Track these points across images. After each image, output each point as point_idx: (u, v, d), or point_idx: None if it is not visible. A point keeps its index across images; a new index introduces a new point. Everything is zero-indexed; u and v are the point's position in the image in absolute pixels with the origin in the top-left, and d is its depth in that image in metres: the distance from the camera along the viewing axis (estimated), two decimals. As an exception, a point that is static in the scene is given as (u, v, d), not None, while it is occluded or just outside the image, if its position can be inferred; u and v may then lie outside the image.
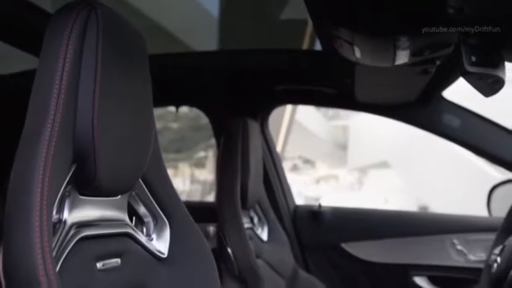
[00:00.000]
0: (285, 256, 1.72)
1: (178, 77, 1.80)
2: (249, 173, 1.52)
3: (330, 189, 9.36)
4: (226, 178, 1.48)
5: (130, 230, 0.81)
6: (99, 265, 0.72)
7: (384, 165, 8.28)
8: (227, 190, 1.47)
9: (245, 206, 1.53)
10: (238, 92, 1.86)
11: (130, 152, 0.75)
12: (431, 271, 1.80)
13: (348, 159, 9.75)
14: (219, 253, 1.44)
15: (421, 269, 1.80)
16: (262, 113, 1.93)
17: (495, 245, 1.43)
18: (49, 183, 0.61)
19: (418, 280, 1.80)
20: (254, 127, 1.62)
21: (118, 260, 0.77)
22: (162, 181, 0.89)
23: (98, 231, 0.74)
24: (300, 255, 1.92)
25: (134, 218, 0.86)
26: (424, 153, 6.21)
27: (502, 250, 1.34)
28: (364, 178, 9.46)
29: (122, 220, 0.81)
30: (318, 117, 10.21)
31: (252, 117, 1.70)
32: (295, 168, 10.81)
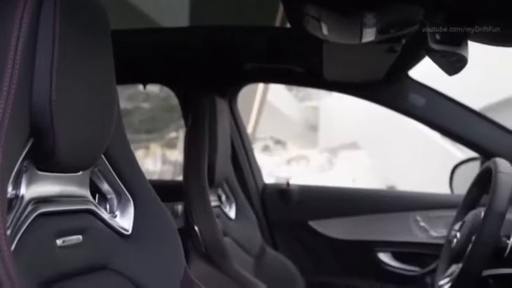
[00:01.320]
0: (253, 234, 1.73)
1: (145, 54, 1.76)
2: (216, 151, 1.52)
3: (301, 170, 9.44)
4: (194, 156, 1.48)
5: (92, 207, 0.80)
6: (59, 242, 0.71)
7: (354, 145, 8.39)
8: (194, 168, 1.47)
9: (212, 184, 1.53)
10: (207, 70, 1.84)
11: (90, 128, 0.74)
12: (395, 247, 1.84)
13: (318, 140, 9.83)
14: (186, 231, 1.44)
15: (385, 245, 1.84)
16: (231, 91, 1.91)
17: (455, 221, 1.48)
18: (2, 158, 0.59)
19: (382, 256, 1.84)
20: (222, 105, 1.61)
21: (80, 237, 0.75)
22: (126, 159, 0.87)
23: (58, 207, 0.73)
24: (268, 233, 1.93)
25: (97, 195, 0.85)
26: (393, 134, 6.32)
27: (461, 226, 1.38)
28: (334, 159, 9.56)
29: (84, 197, 0.79)
30: (290, 98, 10.23)
31: (221, 95, 1.69)
32: (266, 148, 10.84)
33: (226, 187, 1.70)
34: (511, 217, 1.35)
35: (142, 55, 1.75)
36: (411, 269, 1.82)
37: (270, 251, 1.77)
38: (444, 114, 1.75)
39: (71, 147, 0.70)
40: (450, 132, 1.77)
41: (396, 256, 1.84)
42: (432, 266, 1.70)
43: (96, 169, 0.82)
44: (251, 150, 2.03)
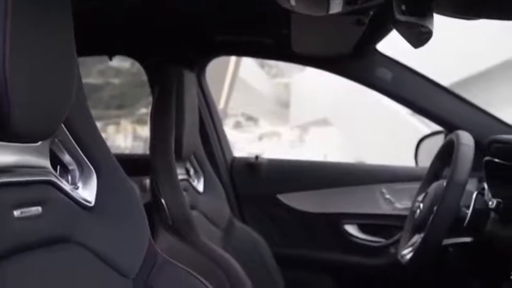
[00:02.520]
0: (221, 207, 1.73)
1: (110, 24, 1.71)
2: (184, 125, 1.50)
3: (273, 146, 9.48)
4: (160, 129, 1.46)
5: (52, 178, 0.78)
6: (16, 213, 0.69)
7: (324, 122, 8.46)
8: (161, 142, 1.45)
9: (180, 157, 1.51)
10: (174, 42, 1.80)
11: (48, 97, 0.71)
12: (361, 219, 1.88)
13: (290, 117, 9.88)
14: (153, 204, 1.43)
15: (352, 217, 1.88)
16: (199, 64, 1.89)
17: (418, 193, 1.51)
18: None
19: (349, 228, 1.88)
20: (190, 77, 1.59)
21: (39, 208, 0.73)
22: (88, 130, 0.85)
23: (15, 178, 0.71)
24: (236, 206, 1.94)
25: (58, 166, 0.83)
26: (362, 110, 6.39)
27: (424, 198, 1.41)
28: (305, 135, 9.64)
29: (44, 168, 0.77)
30: (262, 75, 10.21)
31: (189, 68, 1.66)
32: (238, 125, 10.84)
33: (194, 160, 1.69)
34: (471, 188, 1.39)
35: (108, 25, 1.71)
36: (377, 240, 1.86)
37: (238, 224, 1.78)
38: (410, 88, 1.77)
39: (28, 117, 0.68)
40: (415, 106, 1.80)
41: (362, 228, 1.88)
42: (396, 237, 1.75)
43: (56, 140, 0.80)
44: (220, 123, 2.02)
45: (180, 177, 1.50)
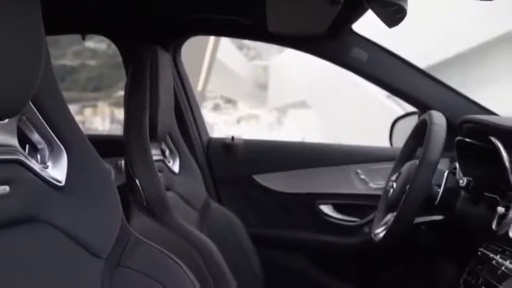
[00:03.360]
0: (197, 188, 1.73)
1: (82, 1, 1.67)
2: (158, 105, 1.48)
3: (251, 129, 9.49)
4: (134, 110, 1.43)
5: (21, 157, 0.76)
6: None
7: (302, 104, 8.49)
8: (135, 122, 1.43)
9: (155, 138, 1.50)
10: (147, 20, 1.77)
11: (13, 75, 0.70)
12: (336, 199, 1.90)
13: (268, 99, 9.88)
14: (128, 185, 1.41)
15: (327, 197, 1.90)
16: (173, 43, 1.86)
17: (392, 172, 1.53)
18: None
19: (324, 208, 1.90)
20: (165, 57, 1.56)
21: (6, 187, 0.72)
22: (57, 108, 0.84)
23: None
24: (212, 187, 1.94)
25: (27, 146, 0.81)
26: (340, 92, 6.42)
27: (397, 177, 1.43)
28: (284, 118, 9.66)
29: (11, 146, 0.75)
30: (240, 57, 10.16)
31: (163, 47, 1.63)
32: (217, 107, 10.81)
33: (169, 141, 1.67)
34: (443, 168, 1.42)
35: (78, 1, 1.66)
36: (351, 220, 1.88)
37: (214, 205, 1.78)
38: (385, 69, 1.77)
39: None
40: (390, 87, 1.81)
41: (337, 207, 1.90)
42: (370, 217, 1.77)
43: (24, 117, 0.78)
44: (196, 104, 2.00)
45: (155, 158, 1.49)
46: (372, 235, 1.48)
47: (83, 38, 1.89)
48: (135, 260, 0.88)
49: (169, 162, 1.66)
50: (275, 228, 1.94)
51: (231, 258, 1.48)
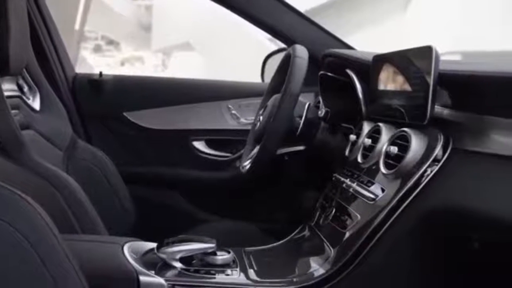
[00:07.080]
0: (61, 126, 1.63)
1: None
2: (9, 35, 1.34)
3: (136, 71, 9.15)
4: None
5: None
6: None
7: (187, 46, 8.30)
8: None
9: (7, 71, 1.37)
10: None
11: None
12: (208, 135, 1.91)
13: (152, 41, 9.53)
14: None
15: (199, 133, 1.90)
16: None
17: (260, 107, 1.57)
18: None
19: (197, 144, 1.91)
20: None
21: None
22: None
23: None
24: (80, 125, 1.85)
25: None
26: (223, 34, 6.38)
27: (264, 110, 1.47)
28: (168, 60, 9.41)
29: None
30: (121, -5, 9.56)
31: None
32: (98, 49, 10.19)
33: (27, 75, 1.54)
34: (307, 101, 1.48)
35: None
36: (223, 155, 1.91)
37: (82, 144, 1.69)
38: (258, 6, 1.78)
39: None
40: (263, 24, 1.82)
41: (210, 143, 1.92)
42: (241, 151, 1.82)
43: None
44: (58, 36, 1.84)
45: (10, 93, 1.37)
46: (241, 168, 1.52)
47: None
48: None
49: (28, 98, 1.53)
50: (147, 165, 1.91)
51: (101, 198, 1.44)
